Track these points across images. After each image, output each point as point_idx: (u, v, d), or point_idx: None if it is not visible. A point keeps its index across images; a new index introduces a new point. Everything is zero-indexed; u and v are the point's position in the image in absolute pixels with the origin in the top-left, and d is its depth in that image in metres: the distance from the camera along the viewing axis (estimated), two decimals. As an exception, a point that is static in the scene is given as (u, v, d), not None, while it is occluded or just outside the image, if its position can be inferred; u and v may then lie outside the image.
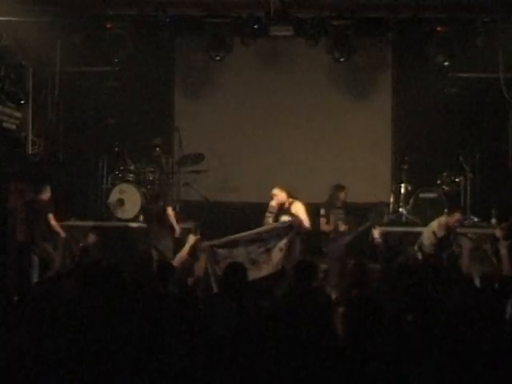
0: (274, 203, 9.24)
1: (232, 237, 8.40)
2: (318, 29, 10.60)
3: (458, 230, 9.57)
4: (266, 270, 7.80)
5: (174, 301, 5.30)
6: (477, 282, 6.47)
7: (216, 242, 8.23)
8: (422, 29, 10.60)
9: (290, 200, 9.31)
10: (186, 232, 9.82)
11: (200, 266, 7.99)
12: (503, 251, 7.51)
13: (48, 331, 4.60)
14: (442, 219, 9.40)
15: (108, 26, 10.47)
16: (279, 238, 8.03)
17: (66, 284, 6.42)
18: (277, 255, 7.91)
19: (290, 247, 7.97)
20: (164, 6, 10.39)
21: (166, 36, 11.15)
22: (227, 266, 6.48)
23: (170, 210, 9.96)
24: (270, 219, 9.16)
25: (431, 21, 10.48)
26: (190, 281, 6.98)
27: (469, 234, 9.28)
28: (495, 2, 10.06)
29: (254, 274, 7.53)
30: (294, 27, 10.66)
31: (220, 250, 7.90)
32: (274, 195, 9.27)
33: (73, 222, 10.89)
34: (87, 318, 4.78)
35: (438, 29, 10.46)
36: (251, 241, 8.06)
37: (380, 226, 9.91)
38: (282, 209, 9.19)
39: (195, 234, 9.38)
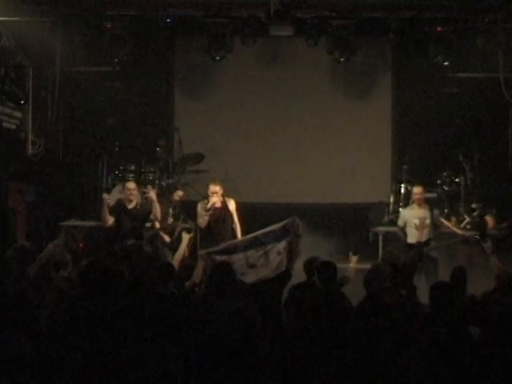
0: (216, 199, 8.83)
1: (229, 243, 8.32)
2: (318, 29, 10.60)
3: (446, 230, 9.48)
4: (263, 274, 7.70)
5: (174, 301, 5.30)
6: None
7: (213, 249, 8.16)
8: (422, 29, 10.60)
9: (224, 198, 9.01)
10: (182, 231, 9.78)
11: (197, 273, 7.96)
12: (496, 263, 7.47)
13: (47, 331, 4.60)
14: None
15: (108, 26, 10.46)
16: (276, 240, 7.92)
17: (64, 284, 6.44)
18: (276, 258, 7.80)
19: (290, 250, 7.87)
20: (164, 6, 10.38)
21: (166, 36, 11.14)
22: (213, 267, 6.49)
23: (150, 192, 9.20)
24: (206, 218, 8.76)
25: (431, 21, 10.48)
26: (187, 284, 6.98)
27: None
28: (495, 2, 10.06)
29: (251, 278, 7.48)
30: (294, 27, 10.66)
31: (218, 257, 7.82)
32: (216, 193, 8.84)
33: (73, 222, 10.88)
34: (87, 318, 4.78)
35: (438, 29, 10.46)
36: (249, 245, 7.98)
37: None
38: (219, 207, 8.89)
39: (188, 232, 9.31)
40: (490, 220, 10.03)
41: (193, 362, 4.23)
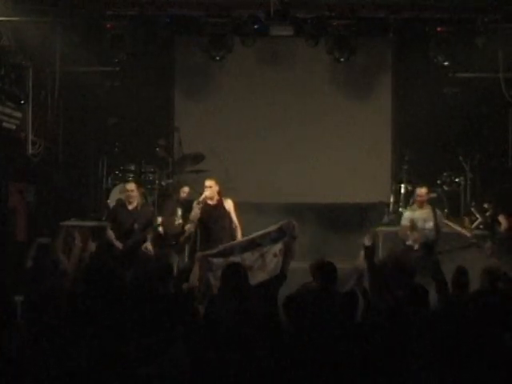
0: (209, 193, 8.84)
1: (226, 245, 8.32)
2: (318, 29, 10.59)
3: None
4: (260, 277, 7.70)
5: (175, 301, 5.31)
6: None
7: (210, 252, 8.16)
8: (423, 29, 10.61)
9: (221, 197, 9.00)
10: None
11: (194, 275, 7.96)
12: (496, 264, 7.47)
13: (49, 331, 4.60)
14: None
15: (108, 25, 10.46)
16: (272, 242, 7.92)
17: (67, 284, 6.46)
18: (272, 260, 7.79)
19: (286, 253, 7.86)
20: (164, 6, 10.38)
21: (166, 36, 11.14)
22: (226, 266, 6.48)
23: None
24: (198, 211, 8.77)
25: (431, 21, 10.48)
26: (184, 286, 7.00)
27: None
28: (495, 2, 10.06)
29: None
30: (294, 27, 10.67)
31: (215, 260, 7.81)
32: (210, 187, 8.87)
33: (73, 222, 10.87)
34: (88, 318, 4.79)
35: (439, 29, 10.45)
36: (246, 248, 7.97)
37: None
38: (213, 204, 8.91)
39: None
40: (503, 220, 9.90)
41: (192, 362, 4.24)
